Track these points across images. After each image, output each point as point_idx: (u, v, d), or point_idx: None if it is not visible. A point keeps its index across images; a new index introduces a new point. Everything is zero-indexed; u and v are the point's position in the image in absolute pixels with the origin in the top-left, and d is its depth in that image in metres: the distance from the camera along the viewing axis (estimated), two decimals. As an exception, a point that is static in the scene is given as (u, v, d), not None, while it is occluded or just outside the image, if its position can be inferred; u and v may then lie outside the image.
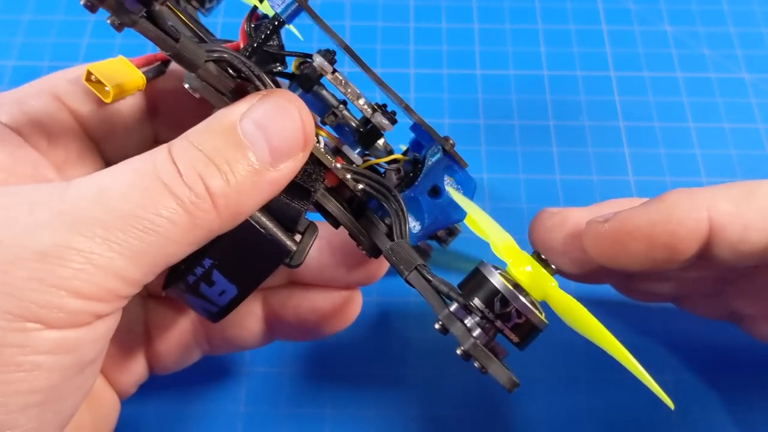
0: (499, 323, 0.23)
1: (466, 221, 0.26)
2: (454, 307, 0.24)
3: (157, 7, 0.21)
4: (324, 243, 0.31)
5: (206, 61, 0.24)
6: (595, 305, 0.40)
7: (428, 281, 0.25)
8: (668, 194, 0.28)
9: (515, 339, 0.23)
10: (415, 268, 0.25)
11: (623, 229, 0.28)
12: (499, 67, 0.49)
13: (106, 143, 0.29)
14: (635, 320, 0.39)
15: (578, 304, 0.23)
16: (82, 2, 0.20)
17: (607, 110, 0.47)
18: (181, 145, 0.23)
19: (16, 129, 0.26)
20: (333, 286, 0.32)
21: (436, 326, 0.24)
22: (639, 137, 0.46)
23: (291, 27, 0.27)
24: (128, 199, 0.22)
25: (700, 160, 0.45)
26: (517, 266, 0.23)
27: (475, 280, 0.23)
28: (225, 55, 0.25)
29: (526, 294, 0.23)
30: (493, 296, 0.23)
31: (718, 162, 0.45)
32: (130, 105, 0.29)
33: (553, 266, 0.24)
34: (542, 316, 0.23)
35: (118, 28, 0.21)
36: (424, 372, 0.37)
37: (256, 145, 0.23)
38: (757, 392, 0.37)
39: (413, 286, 0.25)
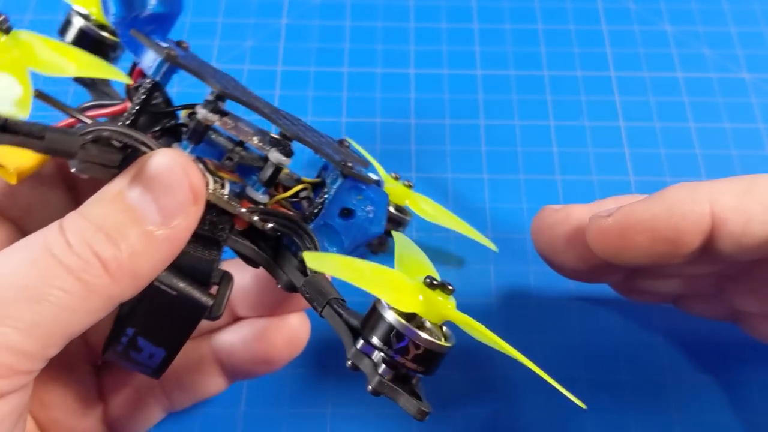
0: (399, 358, 0.23)
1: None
2: (360, 344, 0.24)
3: (3, 122, 0.21)
4: (261, 272, 0.31)
5: (83, 145, 0.24)
6: (595, 305, 0.40)
7: (340, 315, 0.25)
8: (671, 188, 0.28)
9: (419, 369, 0.23)
10: (328, 302, 0.25)
11: (626, 223, 0.28)
12: (499, 67, 0.49)
13: (25, 221, 0.29)
14: (635, 320, 0.39)
15: (476, 322, 0.23)
16: None
17: (607, 110, 0.48)
18: (71, 218, 0.23)
19: None
20: (276, 313, 0.32)
21: (348, 364, 0.24)
22: (639, 137, 0.46)
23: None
24: (18, 272, 0.22)
25: (700, 160, 0.45)
26: (405, 301, 0.23)
27: (374, 317, 0.23)
28: (103, 133, 0.25)
29: (422, 323, 0.23)
30: (389, 333, 0.23)
31: (718, 162, 0.45)
32: (43, 178, 0.29)
33: (450, 286, 0.24)
34: (442, 341, 0.23)
35: None
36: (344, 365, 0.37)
37: (144, 207, 0.23)
38: (758, 392, 0.37)
39: (328, 322, 0.25)
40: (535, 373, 0.24)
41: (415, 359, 0.23)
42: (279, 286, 0.28)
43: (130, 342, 0.26)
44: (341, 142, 0.32)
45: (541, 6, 0.53)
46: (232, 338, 0.32)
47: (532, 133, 0.46)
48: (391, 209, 0.37)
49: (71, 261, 0.22)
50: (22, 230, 0.29)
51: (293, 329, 0.32)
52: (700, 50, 0.50)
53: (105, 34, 0.31)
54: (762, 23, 0.52)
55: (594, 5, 0.53)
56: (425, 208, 0.38)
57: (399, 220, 0.38)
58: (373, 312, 0.24)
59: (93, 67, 0.24)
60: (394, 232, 0.31)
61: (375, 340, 0.23)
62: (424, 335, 0.23)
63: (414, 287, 0.24)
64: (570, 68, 0.49)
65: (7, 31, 0.20)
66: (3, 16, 0.20)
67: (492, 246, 0.40)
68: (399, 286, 0.23)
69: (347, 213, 0.29)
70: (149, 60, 0.26)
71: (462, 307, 0.24)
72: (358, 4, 0.52)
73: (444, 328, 0.24)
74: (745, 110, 0.47)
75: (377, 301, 0.24)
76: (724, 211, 0.27)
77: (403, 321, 0.23)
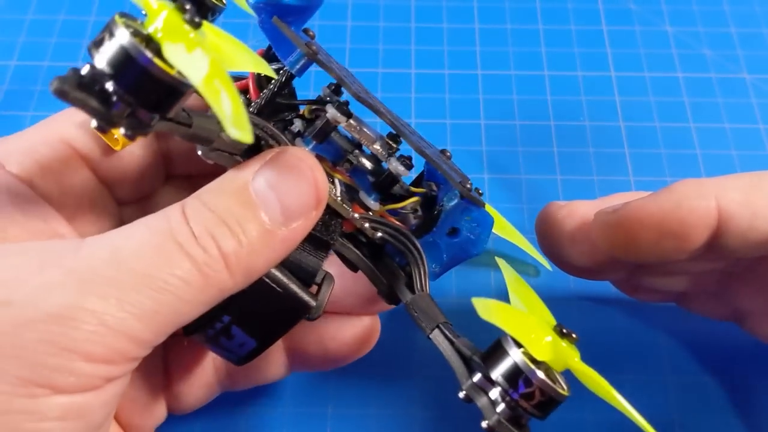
0: (522, 402, 0.23)
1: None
2: (477, 377, 0.23)
3: (175, 113, 0.20)
4: (344, 271, 0.31)
5: (220, 132, 0.23)
6: (597, 305, 0.40)
7: (451, 342, 0.24)
8: (677, 184, 0.28)
9: (538, 414, 0.23)
10: (438, 326, 0.25)
11: (633, 219, 0.28)
12: (500, 68, 0.49)
13: (118, 187, 0.29)
14: (637, 320, 0.39)
15: (599, 376, 0.23)
16: (93, 126, 0.19)
17: (607, 110, 0.48)
18: (194, 205, 0.23)
19: (28, 179, 0.26)
20: (353, 312, 0.32)
21: (461, 395, 0.24)
22: (639, 137, 0.46)
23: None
24: (142, 258, 0.21)
25: (700, 160, 0.45)
26: (541, 350, 0.23)
27: (497, 353, 0.23)
28: None
29: (547, 368, 0.23)
30: (516, 375, 0.22)
31: (718, 162, 0.45)
32: (142, 147, 0.29)
33: (575, 335, 0.23)
34: (564, 391, 0.23)
35: (132, 137, 0.20)
36: (428, 371, 0.37)
37: (267, 204, 0.23)
38: (760, 393, 0.37)
39: (435, 345, 0.25)
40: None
41: (537, 405, 0.23)
42: (378, 294, 0.28)
43: (224, 329, 0.26)
44: (443, 152, 0.31)
45: (541, 6, 0.53)
46: (304, 330, 0.32)
47: (532, 133, 0.46)
48: None
49: (196, 252, 0.22)
50: (115, 196, 0.29)
51: (366, 330, 0.32)
52: (700, 51, 0.50)
53: None
54: (762, 24, 0.52)
55: (594, 5, 0.53)
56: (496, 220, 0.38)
57: None
58: (497, 348, 0.23)
59: (256, 63, 0.24)
60: (499, 260, 0.31)
61: (498, 378, 0.23)
62: (551, 384, 0.22)
63: (546, 330, 0.23)
64: (570, 68, 0.49)
65: (197, 26, 0.19)
66: (190, 6, 0.19)
67: (546, 265, 0.39)
68: (535, 332, 0.23)
69: (453, 232, 0.29)
70: (286, 51, 0.26)
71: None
72: (359, 4, 0.52)
73: (560, 376, 0.24)
74: (745, 111, 0.47)
75: (503, 338, 0.23)
76: (731, 206, 0.27)
77: (533, 366, 0.22)
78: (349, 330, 0.32)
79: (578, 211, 0.32)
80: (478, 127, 0.47)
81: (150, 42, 0.19)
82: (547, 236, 0.33)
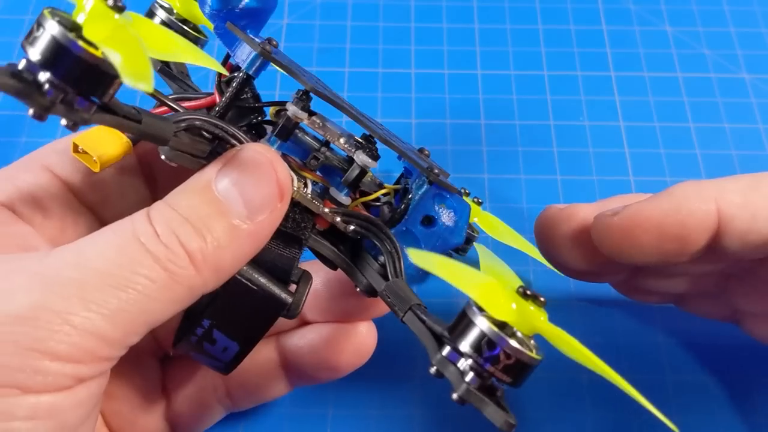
0: (489, 366, 0.22)
1: (436, 271, 0.24)
2: (446, 350, 0.23)
3: (111, 99, 0.21)
4: (332, 278, 0.31)
5: (176, 132, 0.24)
6: (596, 306, 0.40)
7: (423, 321, 0.24)
8: (677, 187, 0.28)
9: (507, 380, 0.22)
10: (410, 308, 0.25)
11: (633, 221, 0.28)
12: (500, 67, 0.49)
13: (103, 209, 0.29)
14: (636, 320, 0.39)
15: (570, 337, 0.23)
16: (29, 113, 0.19)
17: (607, 110, 0.48)
18: (158, 207, 0.24)
19: (9, 205, 0.26)
20: (345, 320, 0.32)
21: (432, 371, 0.23)
22: (639, 137, 0.46)
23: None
24: (105, 258, 0.22)
25: (700, 160, 0.45)
26: (500, 308, 0.22)
27: (463, 323, 0.23)
28: (195, 122, 0.25)
29: (513, 332, 0.23)
30: (480, 340, 0.22)
31: (718, 162, 0.45)
32: (123, 168, 0.29)
33: (542, 298, 0.23)
34: (533, 353, 0.23)
35: (73, 128, 0.20)
36: (426, 372, 0.37)
37: (231, 200, 0.24)
38: (759, 393, 0.37)
39: (409, 327, 0.25)
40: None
41: (505, 369, 0.22)
42: (358, 289, 0.28)
43: (205, 333, 0.26)
44: (422, 150, 0.31)
45: (541, 6, 0.53)
46: (299, 342, 0.32)
47: (532, 133, 0.46)
48: None
49: (158, 250, 0.22)
50: (98, 218, 0.29)
51: (361, 337, 0.32)
52: (700, 51, 0.51)
53: (187, 28, 0.31)
54: (762, 24, 0.52)
55: (594, 5, 0.53)
56: (493, 226, 0.38)
57: (468, 236, 0.37)
58: (462, 318, 0.23)
59: (194, 54, 0.24)
60: (476, 244, 0.31)
61: (464, 347, 0.22)
62: (516, 345, 0.22)
63: (508, 295, 0.23)
64: (570, 68, 0.50)
65: (121, 9, 0.20)
66: None
67: (549, 265, 0.39)
68: (494, 292, 0.23)
69: (429, 221, 0.29)
70: (242, 54, 0.27)
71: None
72: (359, 4, 0.52)
73: (533, 341, 0.23)
74: (745, 110, 0.48)
75: (467, 307, 0.23)
76: (731, 208, 0.27)
77: (496, 329, 0.22)
78: (341, 338, 0.32)
79: (578, 214, 0.32)
80: (477, 127, 0.47)
81: (77, 30, 0.20)
82: (546, 239, 0.33)
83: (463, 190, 0.35)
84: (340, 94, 0.47)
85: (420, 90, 0.48)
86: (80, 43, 0.19)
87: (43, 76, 0.19)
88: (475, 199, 0.37)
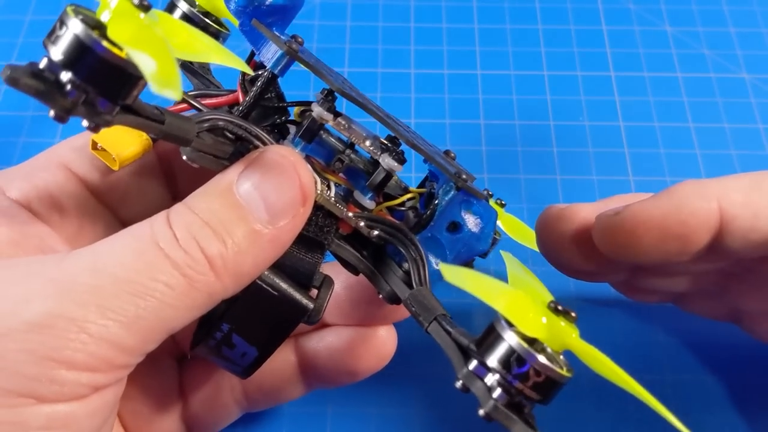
0: (517, 383, 0.22)
1: (460, 285, 0.23)
2: (473, 365, 0.22)
3: (133, 101, 0.20)
4: (353, 281, 0.31)
5: (198, 133, 0.23)
6: (596, 306, 0.40)
7: (448, 333, 0.24)
8: (678, 186, 0.28)
9: (536, 397, 0.22)
10: (435, 318, 0.24)
11: (635, 221, 0.28)
12: (500, 67, 0.49)
13: (121, 208, 0.29)
14: (636, 320, 0.39)
15: (601, 354, 0.22)
16: (51, 114, 0.19)
17: (607, 110, 0.48)
18: (178, 210, 0.23)
19: (26, 204, 0.26)
20: (365, 323, 0.32)
21: (457, 385, 0.23)
22: (639, 137, 0.46)
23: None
24: (123, 264, 0.21)
25: (700, 160, 0.45)
26: (530, 324, 0.22)
27: (491, 337, 0.22)
28: (219, 123, 0.24)
29: (543, 349, 0.22)
30: (509, 356, 0.22)
31: (718, 162, 0.45)
32: (143, 167, 0.29)
33: (573, 314, 0.22)
34: (564, 370, 0.22)
35: (95, 129, 0.20)
36: (427, 370, 0.37)
37: (252, 205, 0.23)
38: (759, 393, 0.37)
39: (433, 338, 0.24)
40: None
41: (534, 387, 0.22)
42: (380, 296, 0.27)
43: (224, 338, 0.26)
44: (447, 152, 0.31)
45: (541, 6, 0.53)
46: (317, 345, 0.32)
47: (532, 133, 0.46)
48: None
49: (177, 255, 0.22)
50: (117, 217, 0.29)
51: (381, 342, 0.31)
52: (700, 51, 0.50)
53: (208, 21, 0.30)
54: (761, 24, 0.52)
55: (594, 5, 0.53)
56: (515, 228, 0.37)
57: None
58: (490, 332, 0.22)
59: (221, 54, 0.23)
60: (503, 252, 0.30)
61: (492, 363, 0.22)
62: (546, 362, 0.21)
63: (538, 310, 0.22)
64: (570, 68, 0.50)
65: (147, 8, 0.19)
66: None
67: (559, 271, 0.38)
68: (524, 307, 0.22)
69: (455, 227, 0.28)
70: (268, 52, 0.26)
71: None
72: (359, 4, 0.52)
73: (562, 357, 0.23)
74: (745, 110, 0.47)
75: (496, 321, 0.22)
76: (732, 207, 0.27)
77: (526, 345, 0.22)
78: (360, 342, 0.31)
79: (579, 214, 0.32)
80: (477, 127, 0.47)
81: (101, 29, 0.19)
82: (547, 239, 0.33)
83: (486, 192, 0.35)
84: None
85: (420, 90, 0.48)
86: (104, 43, 0.19)
87: (65, 76, 0.19)
88: (498, 201, 0.36)
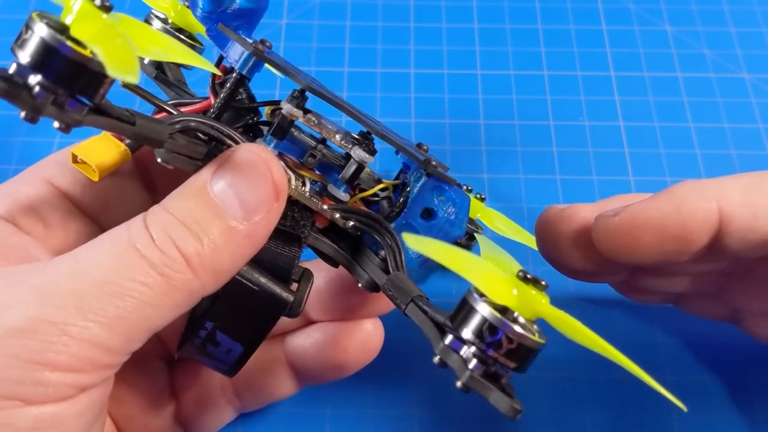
0: (492, 352, 0.22)
1: (438, 259, 0.23)
2: (449, 339, 0.23)
3: (101, 99, 0.21)
4: (335, 276, 0.31)
5: (171, 134, 0.24)
6: (596, 306, 0.40)
7: (425, 312, 0.24)
8: (677, 186, 0.28)
9: (512, 365, 0.22)
10: (412, 300, 0.25)
11: (634, 222, 0.28)
12: (500, 67, 0.49)
13: (104, 217, 0.29)
14: (636, 320, 0.39)
15: (572, 318, 0.22)
16: (21, 116, 0.19)
17: (607, 110, 0.48)
18: (154, 211, 0.24)
19: (10, 218, 0.27)
20: (351, 318, 0.32)
21: (435, 360, 0.23)
22: (639, 137, 0.46)
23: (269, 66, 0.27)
24: (101, 267, 0.22)
25: (700, 160, 0.45)
26: (500, 293, 0.22)
27: (464, 310, 0.23)
28: (190, 124, 0.25)
29: (515, 317, 0.22)
30: (482, 326, 0.22)
31: (718, 162, 0.45)
32: (122, 175, 0.29)
33: (543, 282, 0.23)
34: (536, 337, 0.22)
35: (66, 129, 0.20)
36: (425, 371, 0.37)
37: (227, 202, 0.24)
38: (759, 393, 0.37)
39: (411, 319, 0.25)
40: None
41: (508, 354, 0.22)
42: (360, 285, 0.28)
43: (209, 336, 0.26)
44: (419, 145, 0.31)
45: (541, 6, 0.53)
46: (304, 342, 0.32)
47: (532, 133, 0.46)
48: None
49: (154, 255, 0.22)
50: (100, 226, 0.29)
51: (367, 335, 0.32)
52: (700, 50, 0.50)
53: (182, 37, 0.31)
54: (761, 24, 0.52)
55: (594, 5, 0.53)
56: (497, 222, 0.37)
57: (470, 232, 0.37)
58: (463, 305, 0.23)
59: (184, 54, 0.24)
60: (477, 235, 0.30)
61: (465, 334, 0.22)
62: (518, 328, 0.22)
63: (508, 280, 0.23)
64: (570, 68, 0.49)
65: (108, 9, 0.20)
66: None
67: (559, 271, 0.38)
68: (494, 277, 0.22)
69: (429, 214, 0.29)
70: (235, 54, 0.26)
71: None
72: (358, 4, 0.52)
73: (536, 326, 0.23)
74: (745, 110, 0.47)
75: (467, 294, 0.23)
76: (731, 207, 0.27)
77: (497, 314, 0.22)
78: (347, 336, 0.32)
79: (578, 215, 0.32)
80: (477, 126, 0.47)
81: (66, 32, 0.20)
82: (547, 240, 0.33)
83: (465, 187, 0.35)
84: (339, 94, 0.47)
85: (419, 90, 0.48)
86: (69, 43, 0.19)
87: (34, 78, 0.19)
88: (478, 195, 0.36)
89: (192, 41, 0.31)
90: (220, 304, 0.26)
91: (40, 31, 0.19)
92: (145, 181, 0.30)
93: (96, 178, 0.25)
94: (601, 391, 0.37)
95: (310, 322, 0.33)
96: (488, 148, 0.46)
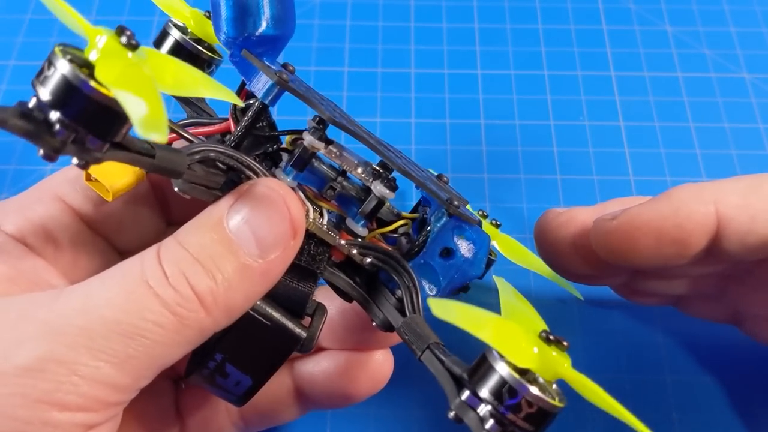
0: (510, 414, 0.21)
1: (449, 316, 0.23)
2: (466, 395, 0.22)
3: (122, 138, 0.20)
4: (348, 306, 0.31)
5: (189, 165, 0.23)
6: (596, 308, 0.40)
7: (441, 362, 0.24)
8: (675, 189, 0.28)
9: (529, 428, 0.22)
10: (428, 347, 0.24)
11: (632, 225, 0.28)
12: (500, 67, 0.49)
13: (117, 237, 0.29)
14: (636, 321, 0.39)
15: (593, 383, 0.22)
16: (40, 154, 0.19)
17: (607, 110, 0.48)
18: (168, 245, 0.23)
19: (21, 238, 0.26)
20: (361, 348, 0.32)
21: (450, 415, 0.23)
22: (639, 137, 0.46)
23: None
24: (112, 304, 0.21)
25: (700, 160, 0.45)
26: (521, 354, 0.22)
27: (483, 367, 0.22)
28: (210, 154, 0.24)
29: (535, 379, 0.22)
30: (501, 387, 0.21)
31: (718, 162, 0.45)
32: (136, 196, 0.29)
33: (565, 342, 0.22)
34: (556, 401, 0.22)
35: (84, 167, 0.20)
36: (426, 372, 0.37)
37: (242, 239, 0.23)
38: (759, 393, 0.37)
39: (426, 366, 0.24)
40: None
41: (527, 418, 0.21)
42: (374, 324, 0.27)
43: (218, 367, 0.26)
44: (440, 176, 0.31)
45: (541, 6, 0.53)
46: (313, 369, 0.32)
47: (532, 133, 0.46)
48: None
49: (167, 294, 0.22)
50: (114, 246, 0.29)
51: (377, 366, 0.31)
52: (700, 50, 0.50)
53: (201, 48, 0.30)
54: (762, 24, 0.52)
55: (594, 5, 0.53)
56: (510, 249, 0.37)
57: (486, 260, 0.37)
58: (482, 362, 0.22)
59: (209, 86, 0.23)
60: (495, 278, 0.30)
61: (484, 394, 0.22)
62: (538, 393, 0.21)
63: (530, 339, 0.22)
64: (570, 68, 0.49)
65: (135, 47, 0.20)
66: (129, 32, 0.19)
67: (577, 294, 0.37)
68: (515, 339, 0.22)
69: (448, 253, 0.28)
70: (258, 83, 0.26)
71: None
72: (359, 4, 0.52)
73: (554, 386, 0.23)
74: (745, 110, 0.47)
75: (487, 350, 0.22)
76: (729, 210, 0.27)
77: (517, 376, 0.21)
78: (357, 366, 0.31)
79: (577, 218, 0.32)
80: (477, 126, 0.46)
81: (89, 68, 0.19)
82: (546, 243, 0.33)
83: (480, 212, 0.35)
84: (339, 94, 0.48)
85: (420, 90, 0.48)
86: (92, 83, 0.19)
87: (54, 115, 0.19)
88: (493, 222, 0.36)
89: (210, 53, 0.30)
90: (231, 337, 0.25)
91: (63, 68, 0.19)
92: (160, 203, 0.30)
93: (110, 198, 0.25)
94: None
95: (320, 349, 0.32)
96: (488, 148, 0.46)
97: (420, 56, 0.50)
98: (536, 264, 0.37)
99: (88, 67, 0.19)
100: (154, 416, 0.30)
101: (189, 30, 0.30)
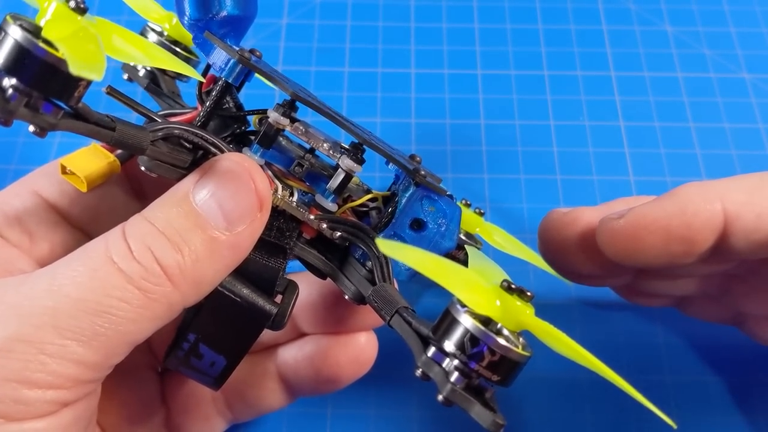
0: (474, 365, 0.21)
1: (417, 266, 0.23)
2: (432, 351, 0.22)
3: (77, 103, 0.20)
4: (326, 289, 0.31)
5: (153, 141, 0.23)
6: (597, 309, 0.40)
7: (409, 323, 0.24)
8: (681, 188, 0.28)
9: (495, 378, 0.21)
10: (396, 311, 0.24)
11: (639, 224, 0.28)
12: (500, 67, 0.49)
13: (93, 228, 0.29)
14: (637, 322, 0.39)
15: (557, 330, 0.22)
16: None
17: (607, 110, 0.48)
18: (134, 221, 0.23)
19: None
20: (344, 331, 0.32)
21: (417, 373, 0.23)
22: (639, 137, 0.46)
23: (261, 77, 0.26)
24: (77, 283, 0.22)
25: (700, 160, 0.45)
26: (483, 303, 0.21)
27: (447, 321, 0.22)
28: (174, 131, 0.24)
29: (499, 329, 0.22)
30: (464, 338, 0.21)
31: (718, 162, 0.45)
32: (112, 187, 0.29)
33: (528, 292, 0.22)
34: (520, 349, 0.22)
35: (41, 133, 0.20)
36: (413, 374, 0.37)
37: (209, 212, 0.23)
38: (759, 393, 0.37)
39: (395, 330, 0.24)
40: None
41: (491, 367, 0.21)
42: (346, 297, 0.27)
43: (192, 348, 0.26)
44: (413, 156, 0.31)
45: (541, 6, 0.53)
46: (296, 355, 0.32)
47: (532, 133, 0.46)
48: (461, 236, 0.34)
49: (132, 269, 0.22)
50: (89, 237, 0.29)
51: (360, 348, 0.31)
52: (700, 50, 0.50)
53: (178, 49, 0.31)
54: (762, 24, 0.52)
55: (594, 5, 0.53)
56: (496, 237, 0.36)
57: (460, 243, 0.37)
58: (445, 316, 0.22)
59: (165, 60, 0.23)
60: (467, 247, 0.30)
61: (447, 346, 0.22)
62: (501, 340, 0.21)
63: (491, 290, 0.22)
64: (570, 68, 0.49)
65: (83, 11, 0.20)
66: None
67: (567, 281, 0.37)
68: (476, 287, 0.22)
69: (419, 225, 0.28)
70: (221, 62, 0.26)
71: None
72: (359, 4, 0.52)
73: (521, 339, 0.23)
74: (745, 110, 0.47)
75: (450, 304, 0.22)
76: (736, 207, 0.27)
77: (480, 325, 0.21)
78: (339, 349, 0.31)
79: (582, 218, 0.32)
80: (477, 127, 0.47)
81: (39, 33, 0.20)
82: (551, 244, 0.33)
83: (464, 201, 0.35)
84: (340, 94, 0.48)
85: (420, 90, 0.48)
86: (42, 45, 0.19)
87: (7, 81, 0.19)
88: (477, 210, 0.36)
89: (187, 54, 0.31)
90: (202, 315, 0.25)
91: (14, 33, 0.19)
92: (136, 192, 0.30)
93: (84, 189, 0.25)
94: (601, 391, 0.37)
95: (302, 335, 0.32)
96: (488, 148, 0.46)
97: (420, 56, 0.50)
98: (522, 251, 0.37)
99: (38, 33, 0.20)
100: (138, 405, 0.31)
101: (165, 32, 0.31)
